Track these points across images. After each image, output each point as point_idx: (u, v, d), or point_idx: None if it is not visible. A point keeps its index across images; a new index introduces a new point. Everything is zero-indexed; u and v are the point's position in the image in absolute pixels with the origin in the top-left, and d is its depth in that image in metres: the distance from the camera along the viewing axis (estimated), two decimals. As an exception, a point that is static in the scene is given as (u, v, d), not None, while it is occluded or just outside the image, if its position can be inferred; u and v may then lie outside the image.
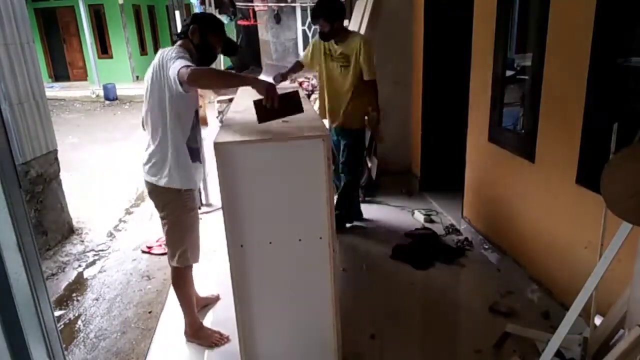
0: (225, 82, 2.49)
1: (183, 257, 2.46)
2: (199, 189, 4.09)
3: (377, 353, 2.51)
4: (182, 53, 2.20)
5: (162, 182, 2.32)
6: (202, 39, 2.34)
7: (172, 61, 2.11)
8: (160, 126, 2.27)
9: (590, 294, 1.84)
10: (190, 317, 2.64)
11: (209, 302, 3.00)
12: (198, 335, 2.65)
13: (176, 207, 2.40)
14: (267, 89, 2.06)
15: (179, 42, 2.37)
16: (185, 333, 2.67)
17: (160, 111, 2.25)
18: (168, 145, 2.28)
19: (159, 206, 2.45)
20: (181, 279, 2.57)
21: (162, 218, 2.46)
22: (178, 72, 2.03)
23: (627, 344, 1.72)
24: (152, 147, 2.33)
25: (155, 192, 2.39)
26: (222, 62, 11.86)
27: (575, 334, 2.05)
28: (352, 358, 2.41)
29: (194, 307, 2.68)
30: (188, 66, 2.03)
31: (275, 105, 2.05)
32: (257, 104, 2.08)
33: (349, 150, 3.73)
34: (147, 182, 2.39)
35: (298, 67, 3.85)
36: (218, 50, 2.44)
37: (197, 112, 2.40)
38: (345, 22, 3.69)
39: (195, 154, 2.41)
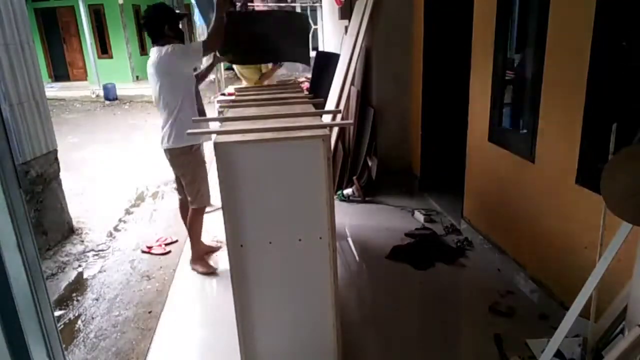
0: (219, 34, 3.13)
1: (199, 200, 3.27)
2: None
3: (377, 353, 2.51)
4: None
5: (176, 145, 3.08)
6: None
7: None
8: (172, 101, 3.05)
9: (590, 294, 1.84)
10: (196, 247, 3.44)
11: (212, 250, 3.72)
12: (198, 263, 3.42)
13: (190, 162, 3.18)
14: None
15: None
16: (191, 261, 3.47)
17: (172, 90, 3.06)
18: (177, 115, 3.04)
19: (177, 166, 3.22)
20: (196, 218, 3.36)
21: (182, 175, 3.23)
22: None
23: (627, 344, 1.72)
24: (163, 121, 3.11)
25: (173, 155, 3.15)
26: (222, 64, 11.79)
27: (575, 335, 2.06)
28: (352, 358, 2.41)
29: (200, 241, 3.49)
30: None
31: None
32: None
33: None
34: (166, 150, 3.16)
35: None
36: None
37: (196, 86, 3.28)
38: (345, 22, 3.39)
39: (201, 114, 3.27)
